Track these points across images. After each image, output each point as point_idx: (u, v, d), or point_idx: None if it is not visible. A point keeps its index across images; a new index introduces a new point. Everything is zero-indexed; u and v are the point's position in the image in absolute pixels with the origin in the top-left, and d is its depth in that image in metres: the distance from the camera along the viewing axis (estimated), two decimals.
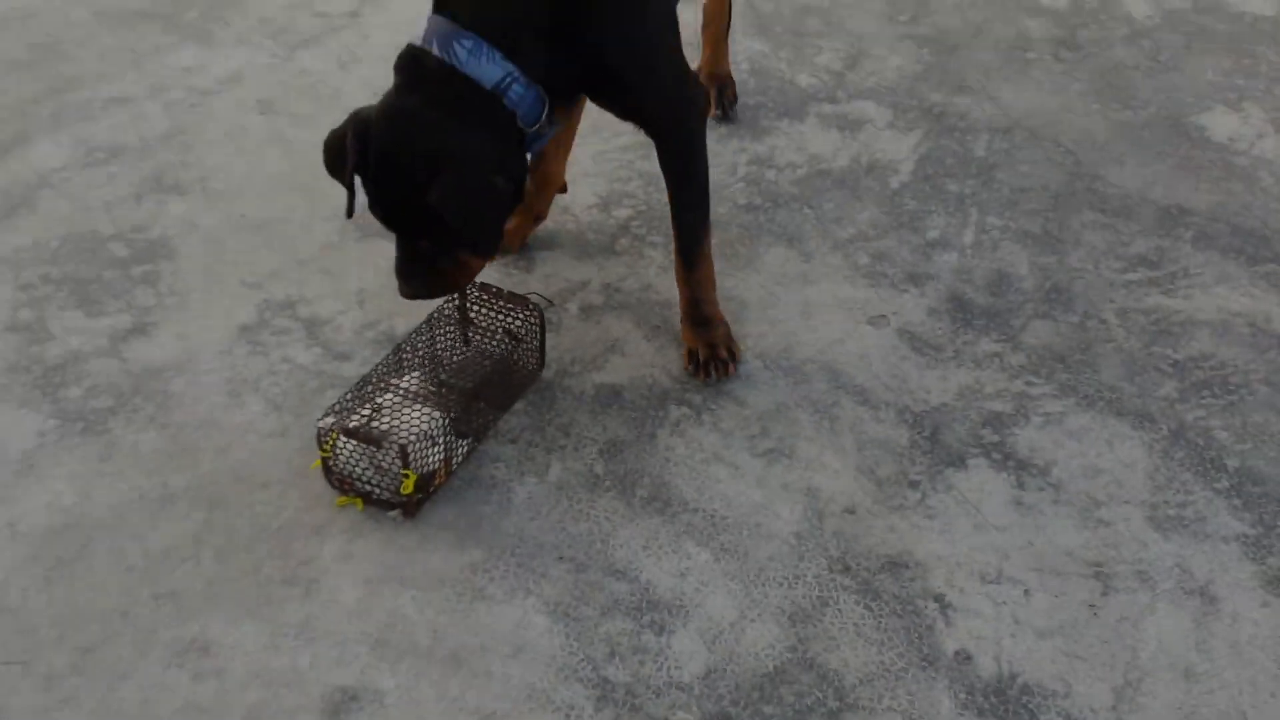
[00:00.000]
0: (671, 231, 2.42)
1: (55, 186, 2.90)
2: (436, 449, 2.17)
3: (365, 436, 2.13)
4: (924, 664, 1.96)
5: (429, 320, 2.39)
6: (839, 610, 2.04)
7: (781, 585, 2.07)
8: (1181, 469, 2.28)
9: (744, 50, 3.42)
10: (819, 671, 1.95)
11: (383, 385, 2.25)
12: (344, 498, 2.18)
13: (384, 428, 2.15)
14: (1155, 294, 2.67)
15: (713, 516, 2.18)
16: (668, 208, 2.40)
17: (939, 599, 2.06)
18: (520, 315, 2.38)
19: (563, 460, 2.27)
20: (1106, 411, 2.39)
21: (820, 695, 1.92)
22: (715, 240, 2.64)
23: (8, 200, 2.85)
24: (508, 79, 2.12)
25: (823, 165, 3.02)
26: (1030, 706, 1.91)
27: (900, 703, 1.92)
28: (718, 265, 2.66)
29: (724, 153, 3.04)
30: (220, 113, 3.16)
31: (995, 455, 2.30)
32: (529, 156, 2.27)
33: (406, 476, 2.10)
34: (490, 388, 2.33)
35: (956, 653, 1.98)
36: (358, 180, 2.17)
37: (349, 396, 2.22)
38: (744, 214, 2.85)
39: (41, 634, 1.97)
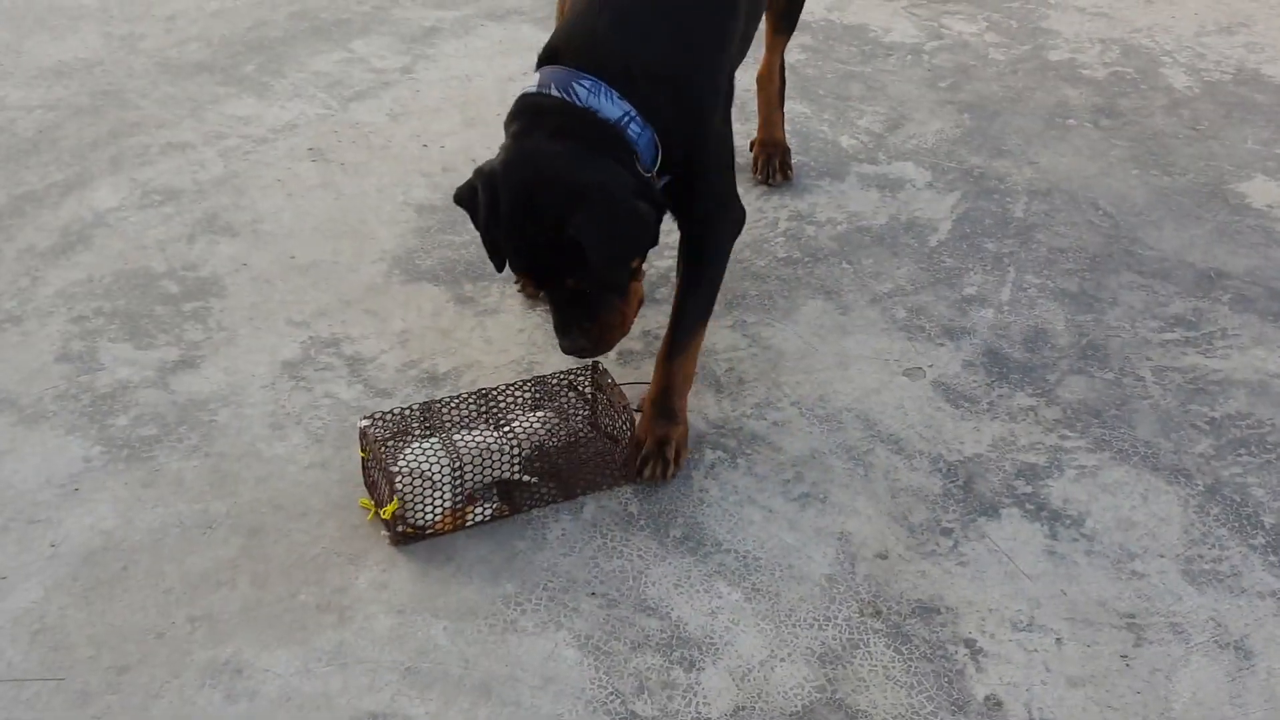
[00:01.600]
0: (671, 316, 2.37)
1: (111, 226, 2.96)
2: (438, 495, 2.14)
3: (373, 449, 2.16)
4: (953, 709, 1.94)
5: (534, 385, 2.35)
6: (869, 653, 2.02)
7: (812, 626, 2.06)
8: (1217, 524, 2.26)
9: (788, 111, 3.45)
10: (847, 712, 1.93)
11: (450, 418, 2.26)
12: (365, 500, 2.21)
13: (400, 449, 2.17)
14: (1192, 353, 2.66)
15: (745, 557, 2.18)
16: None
17: (970, 644, 2.04)
18: (619, 418, 2.29)
19: (597, 499, 2.28)
20: (1142, 466, 2.38)
21: None
22: (755, 291, 2.67)
23: (65, 237, 2.92)
24: (626, 117, 2.17)
25: (862, 222, 3.04)
26: None
27: None
28: (755, 315, 2.68)
29: (765, 208, 3.07)
30: (273, 160, 3.22)
31: (1029, 506, 2.29)
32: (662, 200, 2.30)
33: (389, 502, 2.13)
34: (566, 467, 2.27)
35: (986, 698, 1.96)
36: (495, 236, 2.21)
37: (414, 409, 2.25)
38: (783, 267, 2.87)
39: (78, 652, 1.98)
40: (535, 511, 2.25)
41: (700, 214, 2.36)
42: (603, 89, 2.16)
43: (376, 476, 2.20)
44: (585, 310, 2.20)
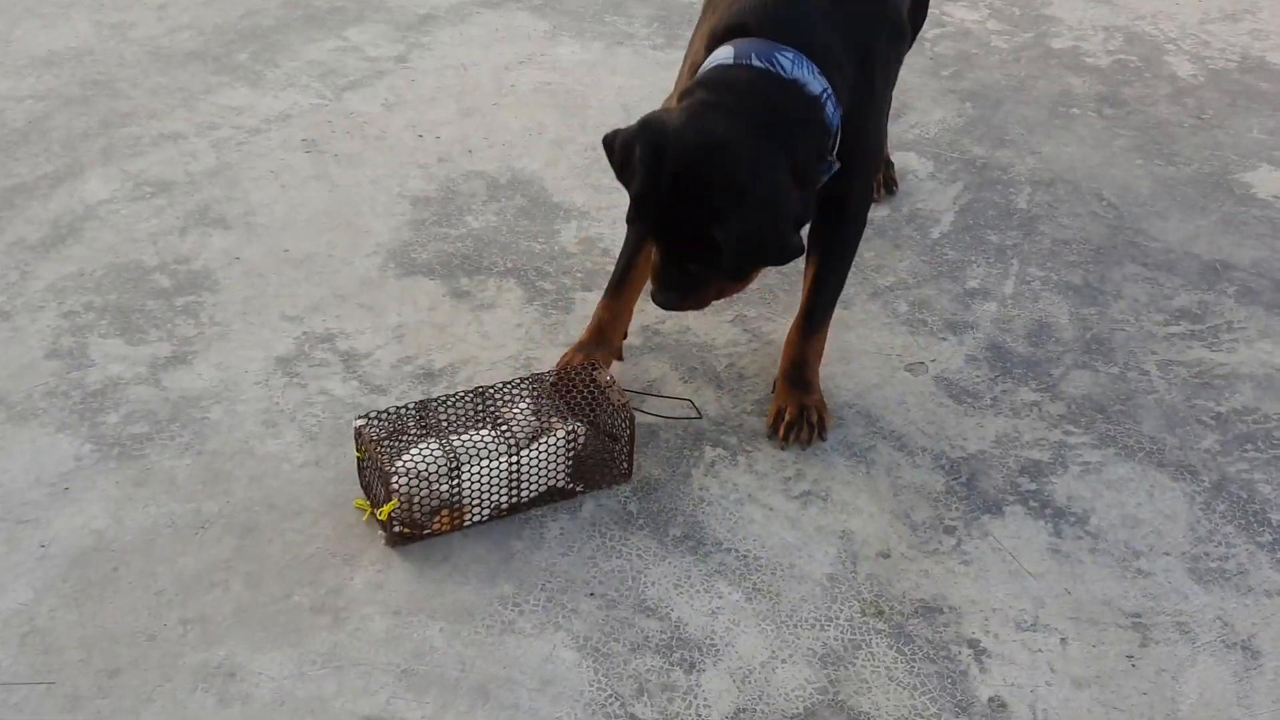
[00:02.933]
0: (803, 288, 2.38)
1: (102, 218, 2.94)
2: (435, 494, 2.12)
3: (368, 449, 2.14)
4: (957, 710, 1.93)
5: (531, 384, 2.30)
6: (871, 653, 2.00)
7: (814, 627, 2.04)
8: (1223, 521, 2.24)
9: None
10: (849, 714, 1.92)
11: (448, 418, 2.24)
12: (361, 500, 2.19)
13: (398, 450, 2.15)
14: (1198, 347, 2.64)
15: (745, 557, 2.16)
16: None
17: (973, 645, 2.02)
18: (618, 416, 2.24)
19: (596, 498, 2.26)
20: (1147, 462, 2.36)
21: None
22: (756, 285, 2.64)
23: (55, 230, 2.89)
24: (825, 94, 2.10)
25: None
26: None
27: None
28: (755, 310, 2.66)
29: None
30: (266, 150, 3.19)
31: (1032, 503, 2.27)
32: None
33: (385, 502, 2.11)
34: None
35: (990, 699, 1.94)
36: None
37: (411, 408, 2.22)
38: None
39: (68, 655, 1.96)
40: (533, 510, 2.22)
41: (847, 203, 2.32)
42: (805, 62, 2.06)
43: (372, 477, 2.18)
44: (692, 279, 2.18)
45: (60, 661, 1.95)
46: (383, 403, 2.42)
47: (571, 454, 2.20)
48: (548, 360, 2.52)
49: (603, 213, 2.98)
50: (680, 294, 2.20)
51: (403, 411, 2.22)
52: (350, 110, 3.38)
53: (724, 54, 2.11)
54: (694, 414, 2.40)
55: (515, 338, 2.60)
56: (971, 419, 2.44)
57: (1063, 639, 2.03)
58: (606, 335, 2.45)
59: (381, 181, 3.08)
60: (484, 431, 2.18)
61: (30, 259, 2.80)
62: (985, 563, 2.15)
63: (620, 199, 3.01)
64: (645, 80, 3.52)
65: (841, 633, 2.04)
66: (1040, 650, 2.01)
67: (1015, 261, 2.87)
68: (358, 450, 2.20)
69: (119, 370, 2.50)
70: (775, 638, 2.02)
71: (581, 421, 2.23)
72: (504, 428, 2.19)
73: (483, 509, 2.16)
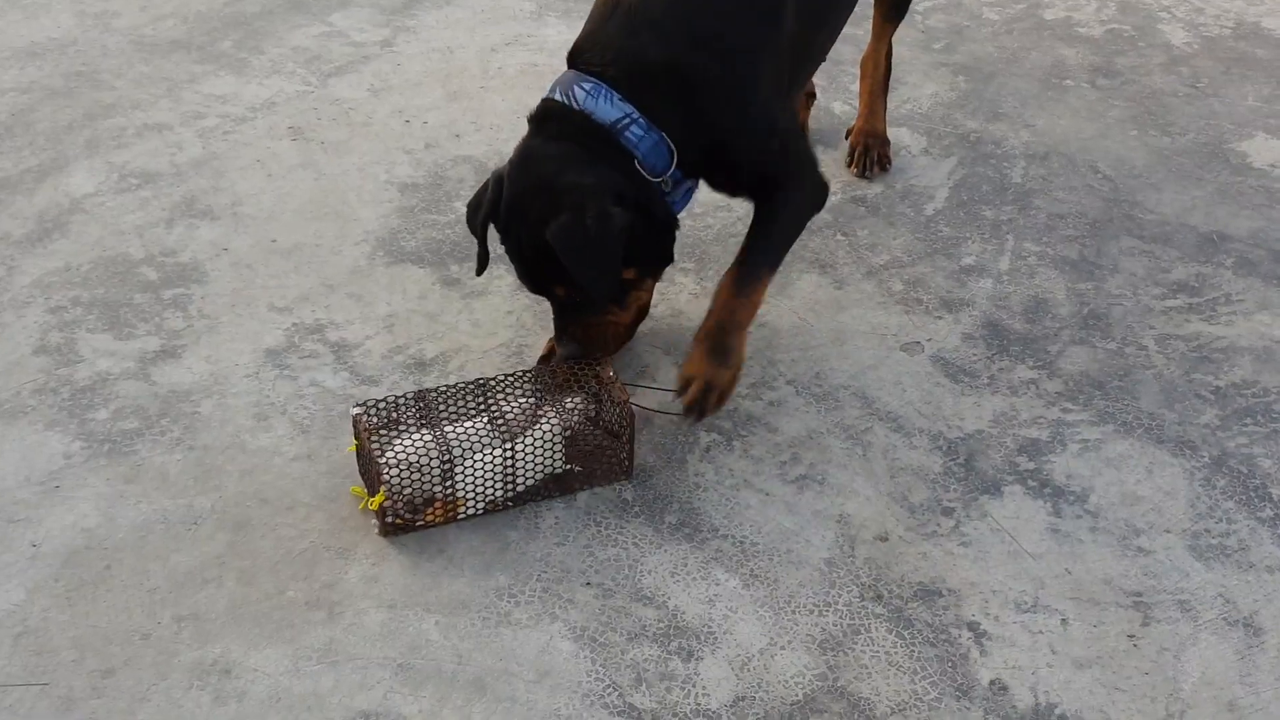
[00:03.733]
0: (741, 246, 2.31)
1: (88, 211, 2.91)
2: (426, 485, 2.10)
3: (364, 438, 2.14)
4: (958, 694, 1.92)
5: (535, 377, 2.28)
6: (870, 638, 2.00)
7: (812, 612, 2.03)
8: (1224, 497, 2.23)
9: None
10: (850, 700, 1.91)
11: (446, 412, 2.22)
12: (358, 488, 2.20)
13: (389, 440, 2.14)
14: (1195, 320, 2.62)
15: (742, 543, 2.15)
16: (702, 235, 2.38)
17: (973, 628, 2.01)
18: (619, 413, 2.21)
19: (591, 487, 2.25)
20: (1146, 439, 2.35)
21: None
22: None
23: (41, 225, 2.87)
24: (625, 119, 2.16)
25: (856, 192, 3.00)
26: None
27: None
28: None
29: None
30: (252, 139, 3.17)
31: (1031, 482, 2.26)
32: (674, 212, 2.28)
33: (377, 493, 2.10)
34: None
35: (991, 683, 1.93)
36: (492, 235, 2.27)
37: (409, 398, 2.21)
38: None
39: (61, 655, 1.95)
40: (530, 503, 2.21)
41: (767, 186, 2.31)
42: (603, 91, 2.17)
43: (366, 466, 2.17)
44: (579, 317, 2.23)
45: (54, 662, 1.94)
46: (374, 394, 2.40)
47: (569, 448, 2.18)
48: (539, 348, 2.51)
49: None
50: (580, 343, 2.25)
51: (401, 401, 2.21)
52: (336, 96, 3.35)
53: (551, 87, 2.25)
54: (672, 389, 2.36)
55: (507, 325, 2.58)
56: (969, 398, 2.43)
57: (1063, 620, 2.02)
58: None
59: (369, 169, 3.06)
60: (479, 422, 2.17)
61: (16, 254, 2.78)
62: (984, 544, 2.14)
63: None
64: None
65: (840, 618, 2.03)
66: (1041, 632, 2.00)
67: (1010, 237, 2.86)
68: (355, 439, 2.18)
69: (108, 366, 2.49)
70: (773, 624, 2.01)
71: (578, 414, 2.21)
72: (500, 420, 2.18)
73: (477, 502, 2.15)
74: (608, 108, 2.17)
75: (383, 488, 2.08)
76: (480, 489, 2.14)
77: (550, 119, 2.20)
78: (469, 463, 2.11)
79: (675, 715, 1.89)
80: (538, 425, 2.17)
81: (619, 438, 2.21)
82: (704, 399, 2.22)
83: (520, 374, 2.28)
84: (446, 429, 2.15)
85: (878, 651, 1.98)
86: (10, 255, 2.77)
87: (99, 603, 2.03)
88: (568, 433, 2.17)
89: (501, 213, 2.20)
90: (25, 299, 2.65)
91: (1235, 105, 3.34)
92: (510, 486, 2.16)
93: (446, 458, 2.10)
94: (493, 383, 2.26)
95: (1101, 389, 2.45)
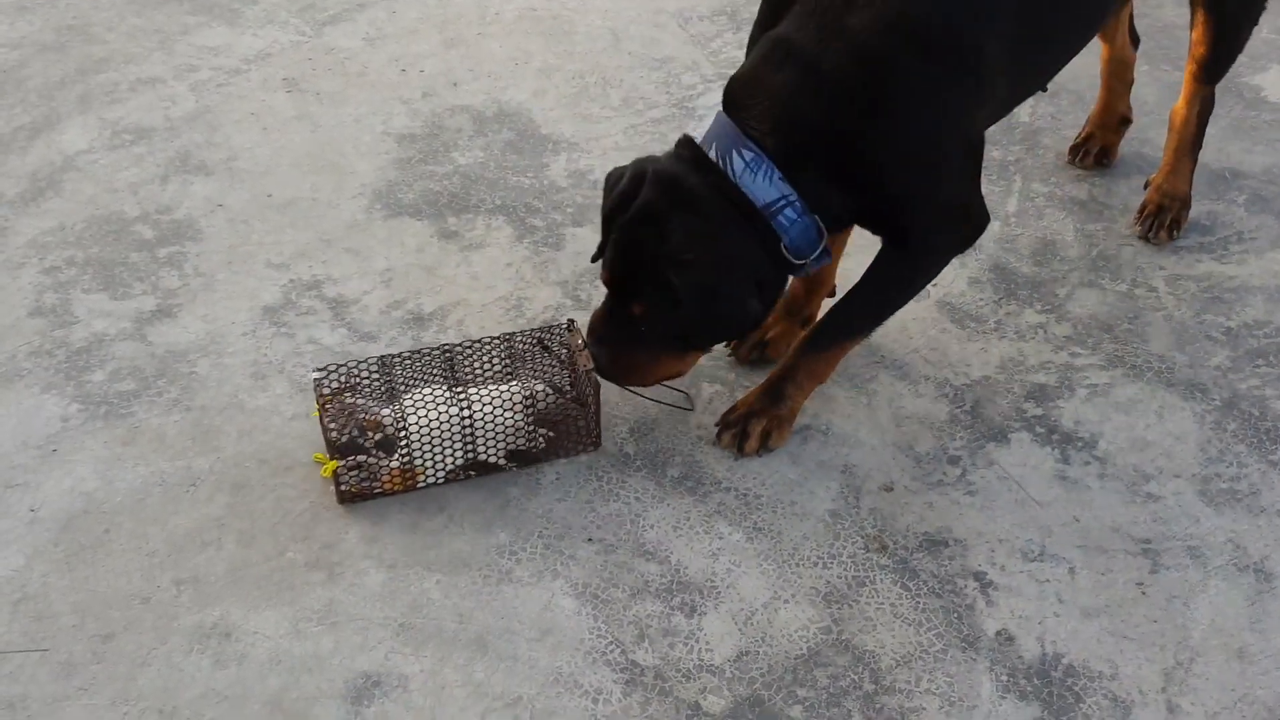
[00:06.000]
0: (844, 297, 2.20)
1: (81, 169, 2.89)
2: (379, 448, 2.08)
3: (321, 403, 2.12)
4: (964, 645, 1.91)
5: (503, 343, 2.25)
6: (875, 590, 1.98)
7: (816, 565, 2.02)
8: (1235, 441, 2.21)
9: None
10: (854, 653, 1.90)
11: (408, 375, 2.20)
12: (319, 454, 2.17)
13: (342, 406, 2.11)
14: (1207, 260, 2.58)
15: (745, 496, 2.13)
16: None
17: (979, 578, 2.00)
18: (584, 382, 2.16)
19: None
20: (1155, 382, 2.32)
21: (855, 678, 1.87)
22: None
23: (34, 183, 2.84)
24: (782, 202, 1.98)
25: None
26: (1075, 689, 1.85)
27: (939, 685, 1.86)
28: None
29: None
30: (246, 92, 3.13)
31: (1039, 429, 2.23)
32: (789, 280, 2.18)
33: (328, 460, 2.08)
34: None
35: (998, 633, 1.92)
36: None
37: (371, 363, 2.19)
38: None
39: (61, 621, 1.95)
40: (500, 474, 2.20)
41: (906, 231, 2.13)
42: (764, 168, 1.97)
43: (326, 431, 2.13)
44: (628, 341, 2.10)
45: (54, 628, 1.94)
46: (373, 350, 2.39)
47: (532, 415, 2.14)
48: (539, 301, 2.49)
49: (592, 144, 2.92)
50: (615, 353, 2.12)
51: (361, 366, 2.19)
52: (331, 46, 3.31)
53: (706, 124, 2.04)
54: (687, 405, 2.31)
55: (506, 278, 2.56)
56: (975, 344, 2.40)
57: (1071, 568, 2.01)
58: (799, 302, 2.39)
59: (365, 120, 3.03)
60: (437, 388, 2.14)
61: (9, 214, 2.75)
62: (991, 493, 2.12)
63: (611, 127, 2.95)
64: (633, 3, 3.44)
65: (844, 570, 2.01)
66: (1048, 581, 1.99)
67: (1018, 178, 2.81)
68: (316, 402, 2.15)
69: (103, 326, 2.47)
70: (777, 578, 2.00)
71: (543, 381, 2.19)
72: (458, 386, 2.15)
73: (435, 469, 2.11)
74: (766, 187, 1.98)
75: (335, 454, 2.06)
76: (437, 454, 2.10)
77: (698, 180, 2.01)
78: (424, 426, 2.08)
79: (679, 671, 1.88)
80: (497, 389, 2.14)
81: (586, 406, 2.18)
82: (745, 422, 2.18)
83: (487, 340, 2.25)
84: (403, 393, 2.13)
85: (883, 603, 1.97)
86: (3, 215, 2.75)
87: (98, 567, 2.03)
88: (530, 398, 2.14)
89: (627, 218, 2.04)
90: (20, 260, 2.63)
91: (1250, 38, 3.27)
92: (470, 453, 2.12)
93: (400, 424, 2.08)
94: (459, 348, 2.23)
95: (1110, 332, 2.42)
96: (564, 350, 2.23)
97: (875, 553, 2.04)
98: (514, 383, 2.16)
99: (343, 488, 2.09)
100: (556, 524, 2.09)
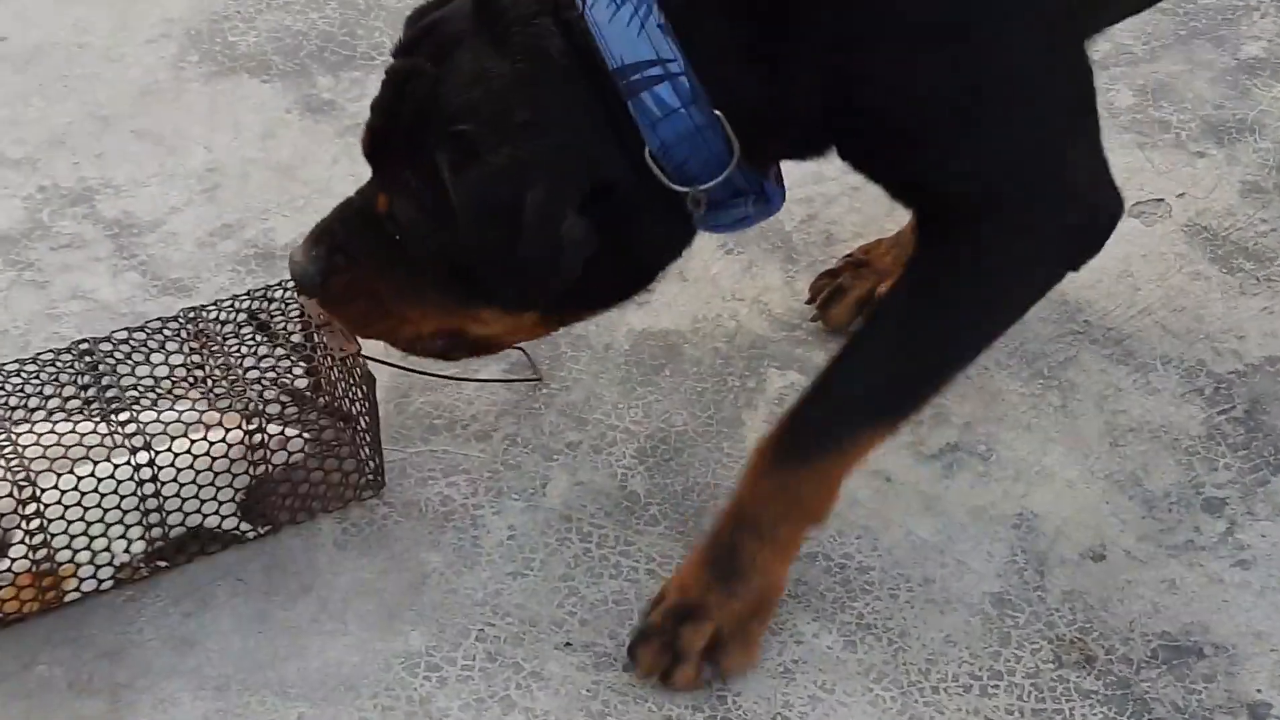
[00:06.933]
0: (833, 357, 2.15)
1: None
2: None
3: None
4: None
5: (188, 325, 2.27)
6: None
7: (967, 691, 2.03)
8: None
9: None
10: None
11: (20, 396, 2.20)
12: None
13: None
14: None
15: (844, 568, 2.16)
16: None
17: (1257, 712, 2.01)
18: (346, 379, 2.21)
19: (572, 473, 2.27)
20: None
21: None
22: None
23: None
24: (652, 69, 1.95)
25: None
26: None
27: None
28: None
29: None
30: None
31: None
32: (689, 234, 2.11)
33: None
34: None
35: None
36: None
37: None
38: None
39: None
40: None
41: (963, 205, 2.06)
42: (645, 6, 1.95)
43: None
44: (377, 258, 2.11)
45: None
46: (179, 307, 2.40)
47: (252, 430, 2.14)
48: None
49: None
50: (349, 275, 2.13)
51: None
52: None
53: None
54: (532, 375, 2.37)
55: None
56: (1251, 299, 2.44)
57: None
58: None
59: None
60: (76, 419, 2.15)
61: None
62: (1276, 564, 2.15)
63: None
64: None
65: (1018, 697, 2.02)
66: None
67: None
68: None
69: None
70: (899, 713, 2.01)
71: (272, 384, 2.22)
72: (122, 410, 2.16)
73: (96, 565, 2.11)
74: (629, 36, 1.95)
75: None
76: (96, 542, 2.09)
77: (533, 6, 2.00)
78: (69, 494, 2.06)
79: None
80: (194, 413, 2.14)
81: (352, 421, 2.21)
82: (675, 626, 2.08)
83: (160, 323, 2.26)
84: (21, 436, 2.11)
85: None
86: None
87: None
88: (252, 421, 2.14)
89: (402, 53, 2.12)
90: None
91: None
92: (156, 533, 2.13)
93: (25, 490, 2.04)
94: (106, 345, 2.24)
95: None
96: (298, 328, 2.26)
97: (1074, 669, 2.05)
98: (216, 396, 2.18)
99: None
100: (510, 617, 2.10)
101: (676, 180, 1.97)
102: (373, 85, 2.65)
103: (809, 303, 2.44)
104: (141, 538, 2.11)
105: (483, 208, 1.96)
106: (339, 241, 2.12)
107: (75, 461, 2.07)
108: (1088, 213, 2.06)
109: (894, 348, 2.06)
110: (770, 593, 2.08)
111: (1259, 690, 2.03)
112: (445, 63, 2.00)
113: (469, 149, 1.95)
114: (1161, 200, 2.56)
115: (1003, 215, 2.03)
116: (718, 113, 1.94)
